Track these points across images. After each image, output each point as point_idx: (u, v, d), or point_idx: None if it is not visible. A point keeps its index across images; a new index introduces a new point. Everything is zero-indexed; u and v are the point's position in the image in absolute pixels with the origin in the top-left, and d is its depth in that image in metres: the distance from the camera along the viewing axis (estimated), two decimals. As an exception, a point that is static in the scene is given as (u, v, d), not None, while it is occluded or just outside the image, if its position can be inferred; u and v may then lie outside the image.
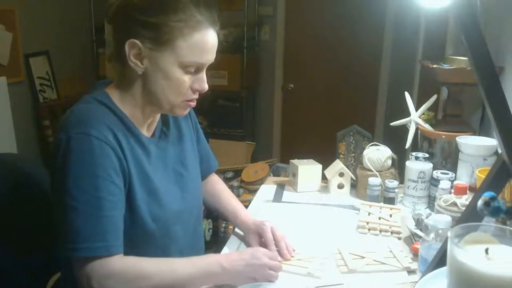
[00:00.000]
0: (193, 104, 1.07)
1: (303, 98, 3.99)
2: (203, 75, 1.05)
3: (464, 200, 1.22)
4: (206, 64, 1.04)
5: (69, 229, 0.92)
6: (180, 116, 1.12)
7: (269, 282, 1.05)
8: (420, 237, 1.19)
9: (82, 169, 0.93)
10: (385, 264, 1.14)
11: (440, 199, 1.26)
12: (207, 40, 1.00)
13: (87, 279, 0.93)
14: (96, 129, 0.96)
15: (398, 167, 1.61)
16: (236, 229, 1.33)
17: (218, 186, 1.39)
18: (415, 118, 1.61)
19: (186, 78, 1.01)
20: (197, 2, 1.00)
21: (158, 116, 1.13)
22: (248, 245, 1.25)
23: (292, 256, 1.17)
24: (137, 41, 0.97)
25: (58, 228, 0.95)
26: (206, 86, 1.05)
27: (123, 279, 0.96)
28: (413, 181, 1.49)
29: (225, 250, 1.22)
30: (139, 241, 1.03)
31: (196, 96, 1.06)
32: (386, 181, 1.50)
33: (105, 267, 0.94)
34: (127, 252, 1.00)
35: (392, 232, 1.33)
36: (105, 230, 0.94)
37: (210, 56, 1.03)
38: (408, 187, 1.51)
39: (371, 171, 1.55)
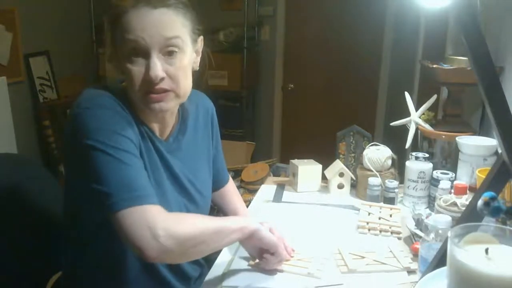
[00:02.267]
0: (156, 96, 0.97)
1: (303, 98, 3.99)
2: (153, 60, 0.94)
3: (464, 200, 1.22)
4: (146, 45, 0.94)
5: (110, 185, 0.89)
6: (159, 112, 1.01)
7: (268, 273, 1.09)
8: (420, 237, 1.19)
9: (103, 126, 0.92)
10: (385, 264, 1.14)
11: (440, 199, 1.26)
12: (138, 19, 0.93)
13: (150, 230, 0.87)
14: (112, 104, 0.96)
15: (398, 167, 1.61)
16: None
17: (227, 187, 1.39)
18: (415, 118, 1.61)
19: (134, 67, 0.95)
20: None
21: (169, 121, 1.10)
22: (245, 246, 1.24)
23: (292, 256, 1.17)
24: (110, 45, 0.99)
25: (91, 199, 0.91)
26: (153, 73, 0.94)
27: (183, 220, 0.96)
28: (413, 181, 1.49)
29: (225, 251, 1.22)
30: None
31: (154, 88, 0.96)
32: (386, 181, 1.50)
33: (163, 212, 0.92)
34: (122, 246, 0.99)
35: (392, 232, 1.33)
36: (144, 180, 0.93)
37: (146, 36, 0.93)
38: (408, 187, 1.51)
39: (371, 171, 1.55)
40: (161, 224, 0.89)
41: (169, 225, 0.90)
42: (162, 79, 0.96)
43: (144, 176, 0.95)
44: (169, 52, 0.97)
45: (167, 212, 0.93)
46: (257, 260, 1.15)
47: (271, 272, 1.12)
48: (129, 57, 0.95)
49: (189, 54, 1.02)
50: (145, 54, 0.95)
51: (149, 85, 0.96)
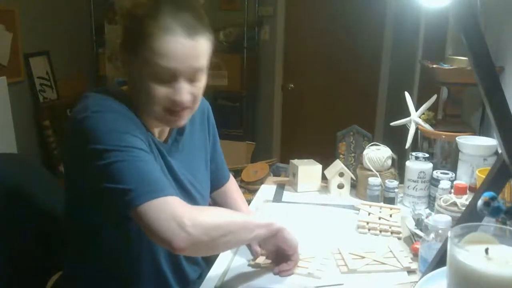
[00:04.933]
0: (177, 117, 1.00)
1: (303, 98, 3.99)
2: (180, 85, 0.96)
3: (464, 200, 1.22)
4: (176, 72, 0.95)
5: (128, 182, 0.88)
6: (174, 127, 1.07)
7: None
8: (420, 237, 1.19)
9: (113, 129, 0.92)
10: (385, 264, 1.14)
11: (440, 199, 1.26)
12: (173, 47, 0.93)
13: (175, 220, 0.87)
14: (119, 108, 0.96)
15: (398, 167, 1.61)
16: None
17: (230, 187, 1.39)
18: (415, 118, 1.61)
19: (159, 88, 0.96)
20: (173, 7, 0.95)
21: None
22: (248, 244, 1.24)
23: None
24: (123, 51, 0.97)
25: (108, 197, 0.91)
26: (180, 98, 0.97)
27: (207, 211, 0.98)
28: (413, 181, 1.49)
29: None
30: (138, 236, 1.02)
31: (177, 108, 0.99)
32: (386, 181, 1.50)
33: (185, 203, 0.92)
34: (126, 247, 1.00)
35: (392, 232, 1.33)
36: (160, 174, 0.94)
37: (179, 65, 0.94)
38: (408, 187, 1.51)
39: (371, 171, 1.55)
40: (186, 214, 0.89)
41: (195, 214, 0.91)
42: (188, 101, 0.98)
43: (159, 170, 0.96)
44: (194, 77, 0.98)
45: (189, 205, 0.93)
46: (257, 260, 1.15)
47: (271, 272, 1.11)
48: (155, 78, 0.95)
49: (206, 72, 1.03)
50: (173, 79, 0.96)
51: (173, 105, 0.98)
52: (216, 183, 1.32)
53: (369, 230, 1.34)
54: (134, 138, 0.94)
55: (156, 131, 1.08)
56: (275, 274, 1.10)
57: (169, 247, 0.88)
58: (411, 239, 1.27)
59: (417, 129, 1.62)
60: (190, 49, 0.95)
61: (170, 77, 0.96)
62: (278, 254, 1.11)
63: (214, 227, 0.93)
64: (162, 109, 0.98)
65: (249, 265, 1.15)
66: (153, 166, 0.94)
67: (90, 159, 0.91)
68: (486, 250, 0.67)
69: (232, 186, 1.39)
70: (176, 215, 0.88)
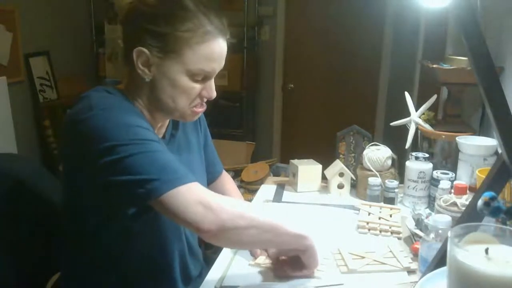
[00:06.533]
0: (201, 110, 1.07)
1: (303, 98, 3.99)
2: (212, 82, 1.04)
3: (464, 200, 1.22)
4: (214, 72, 1.03)
5: (149, 172, 0.89)
6: (189, 121, 1.12)
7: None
8: (420, 237, 1.19)
9: (121, 124, 0.92)
10: (385, 264, 1.14)
11: (440, 199, 1.26)
12: (214, 49, 0.99)
13: (202, 204, 0.89)
14: (123, 104, 0.98)
15: (398, 167, 1.61)
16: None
17: (227, 186, 1.39)
18: (415, 118, 1.61)
19: (194, 86, 1.01)
20: (206, 11, 0.99)
21: (167, 121, 1.13)
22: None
23: None
24: (145, 50, 0.96)
25: (126, 191, 0.91)
26: (214, 94, 1.05)
27: (234, 200, 1.01)
28: (413, 181, 1.49)
29: (225, 250, 1.22)
30: (139, 231, 1.03)
31: (203, 102, 1.06)
32: (386, 181, 1.50)
33: (209, 191, 0.94)
34: (126, 246, 1.01)
35: (392, 232, 1.33)
36: (177, 163, 0.94)
37: (217, 65, 1.02)
38: (408, 187, 1.51)
39: (371, 171, 1.55)
40: (212, 198, 0.92)
41: (221, 200, 0.93)
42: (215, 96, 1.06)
43: (175, 159, 0.96)
44: None
45: (212, 192, 0.96)
46: (257, 260, 1.15)
47: (271, 272, 1.11)
48: (193, 76, 1.00)
49: None
50: (208, 78, 1.03)
51: (201, 100, 1.05)
52: (211, 176, 1.33)
53: (369, 230, 1.34)
54: (145, 131, 0.95)
55: (156, 127, 1.09)
56: (281, 276, 1.09)
57: (197, 230, 0.90)
58: (411, 239, 1.27)
59: (417, 129, 1.62)
60: (225, 49, 1.02)
61: (207, 77, 1.02)
62: (291, 260, 1.10)
63: (239, 216, 0.94)
64: (190, 104, 1.03)
65: (249, 265, 1.15)
66: (170, 155, 0.96)
67: (102, 156, 0.90)
68: (486, 250, 0.67)
69: (227, 185, 1.40)
70: (203, 199, 0.90)
